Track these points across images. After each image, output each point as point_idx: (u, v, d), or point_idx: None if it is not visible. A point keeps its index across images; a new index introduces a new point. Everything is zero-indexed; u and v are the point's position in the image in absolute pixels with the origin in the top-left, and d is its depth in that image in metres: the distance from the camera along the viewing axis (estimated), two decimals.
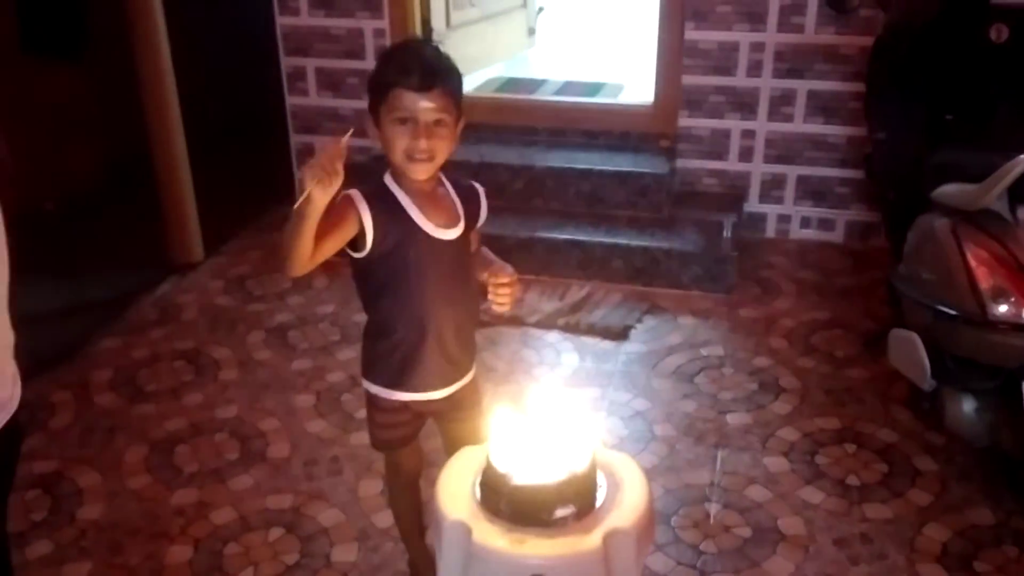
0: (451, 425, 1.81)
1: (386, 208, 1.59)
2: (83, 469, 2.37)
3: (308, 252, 1.48)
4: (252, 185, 4.00)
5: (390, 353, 1.68)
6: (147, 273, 3.37)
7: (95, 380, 2.76)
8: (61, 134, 3.79)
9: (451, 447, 1.79)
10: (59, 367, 2.78)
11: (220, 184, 3.72)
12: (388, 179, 1.63)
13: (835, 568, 2.05)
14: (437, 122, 1.55)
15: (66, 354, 2.86)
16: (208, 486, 2.30)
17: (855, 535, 2.14)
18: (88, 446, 2.46)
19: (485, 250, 1.77)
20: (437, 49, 1.63)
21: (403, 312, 1.64)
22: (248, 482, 2.32)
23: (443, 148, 1.57)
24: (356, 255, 1.61)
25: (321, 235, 1.48)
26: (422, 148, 1.54)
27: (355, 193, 1.58)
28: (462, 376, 1.75)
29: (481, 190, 1.72)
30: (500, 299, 1.65)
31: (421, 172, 1.58)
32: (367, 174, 1.69)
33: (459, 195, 1.68)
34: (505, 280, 1.64)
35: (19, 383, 1.21)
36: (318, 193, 1.40)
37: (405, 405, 1.73)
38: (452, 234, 1.65)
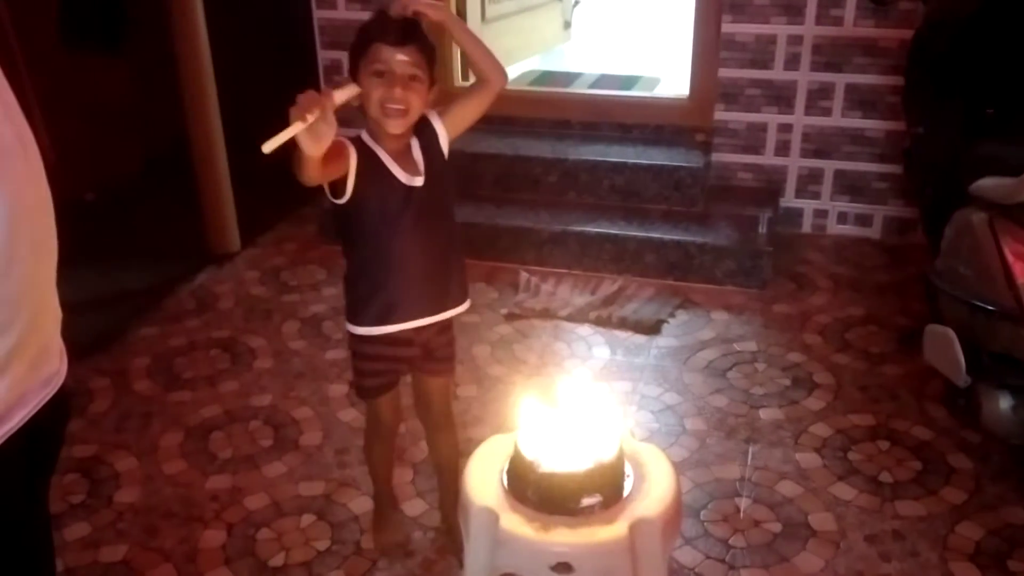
0: (423, 377, 1.93)
1: (366, 158, 1.68)
2: (120, 454, 2.42)
3: (316, 174, 1.58)
4: (288, 178, 4.02)
5: (374, 293, 1.77)
6: (185, 263, 3.42)
7: (133, 367, 2.81)
8: (101, 125, 3.85)
9: (420, 400, 1.97)
10: (98, 354, 2.84)
11: (257, 176, 3.76)
12: (365, 136, 1.73)
13: (866, 564, 2.03)
14: (412, 77, 1.64)
15: (105, 342, 2.92)
16: (242, 472, 2.34)
17: (887, 532, 2.12)
18: (126, 431, 2.51)
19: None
20: (412, 19, 1.70)
21: (384, 254, 1.74)
22: (281, 469, 2.35)
23: (416, 103, 1.66)
24: (337, 201, 1.69)
25: (326, 161, 1.56)
26: (397, 97, 1.64)
27: (344, 140, 1.67)
28: (440, 310, 1.83)
29: (435, 119, 1.77)
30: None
31: (396, 126, 1.68)
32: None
33: (420, 144, 1.75)
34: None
35: (66, 359, 1.24)
36: (312, 147, 1.46)
37: (389, 342, 1.80)
38: (422, 180, 1.73)
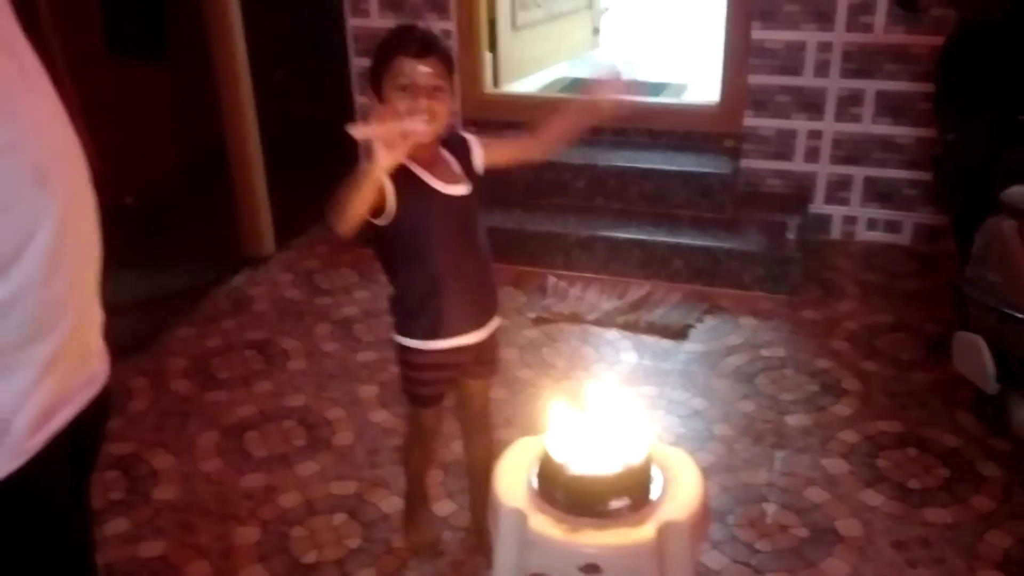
0: (465, 379, 1.95)
1: (400, 175, 1.70)
2: (158, 452, 2.48)
3: (363, 213, 1.63)
4: (321, 183, 4.09)
5: (420, 309, 1.79)
6: (221, 266, 3.49)
7: (171, 367, 2.88)
8: (142, 132, 3.94)
9: (461, 401, 2.01)
10: (137, 354, 2.91)
11: (291, 181, 3.83)
12: None
13: (892, 571, 2.04)
14: (435, 87, 1.68)
15: (144, 342, 2.99)
16: (276, 471, 2.39)
17: (914, 539, 2.12)
18: (163, 430, 2.58)
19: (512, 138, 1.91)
20: (430, 30, 1.80)
21: (427, 269, 1.76)
22: (314, 468, 2.40)
23: (441, 111, 1.70)
24: (378, 222, 1.72)
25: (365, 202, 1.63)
26: (422, 108, 1.67)
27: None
28: (488, 320, 1.88)
29: (471, 137, 1.84)
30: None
31: (423, 135, 1.69)
32: None
33: (452, 153, 1.80)
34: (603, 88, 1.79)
35: (107, 360, 1.28)
36: (387, 158, 1.55)
37: (440, 354, 1.84)
38: (461, 190, 1.78)
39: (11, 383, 1.05)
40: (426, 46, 1.69)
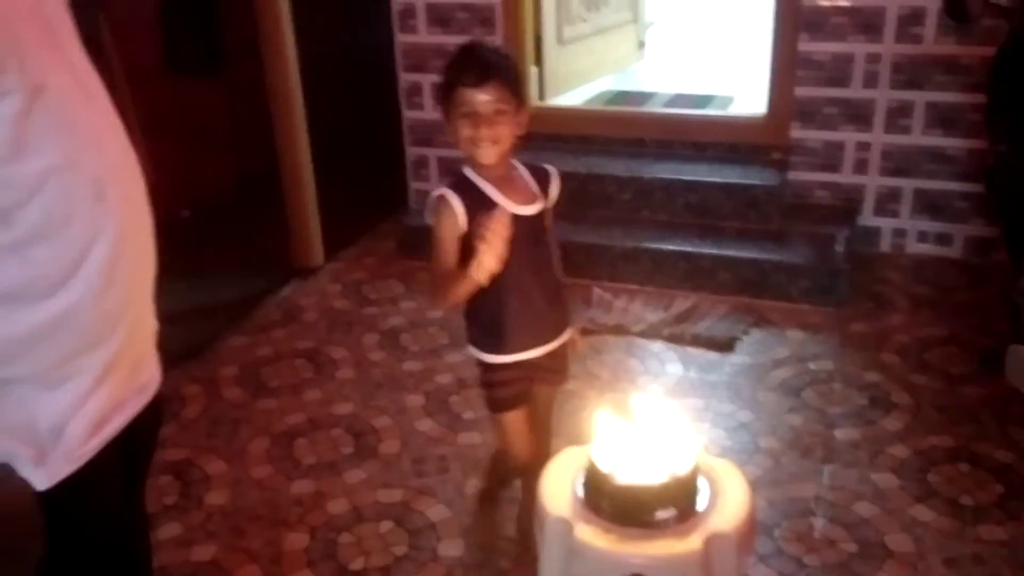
0: (536, 385, 1.97)
1: (471, 195, 1.77)
2: (210, 458, 2.53)
3: (462, 299, 1.78)
4: (369, 195, 4.17)
5: (492, 324, 1.84)
6: (272, 276, 3.56)
7: (223, 375, 2.94)
8: (197, 146, 4.04)
9: (533, 407, 2.02)
10: (191, 362, 2.98)
11: (340, 194, 3.90)
12: (467, 170, 1.81)
13: None
14: (497, 112, 1.71)
15: (197, 351, 3.06)
16: (324, 478, 2.43)
17: (967, 556, 2.09)
18: (215, 436, 2.63)
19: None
20: (494, 48, 1.83)
21: (498, 286, 1.78)
22: (361, 476, 2.43)
23: (506, 133, 1.74)
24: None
25: (453, 239, 1.77)
26: (483, 136, 1.72)
27: (445, 191, 1.78)
28: (560, 333, 1.93)
29: (553, 170, 1.89)
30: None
31: (488, 156, 1.75)
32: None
33: (533, 176, 1.86)
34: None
35: (159, 368, 1.32)
36: (493, 263, 1.65)
37: (510, 366, 1.89)
38: (531, 210, 1.82)
39: (67, 391, 1.09)
40: (484, 73, 1.70)
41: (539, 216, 1.85)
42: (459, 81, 1.71)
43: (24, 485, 1.06)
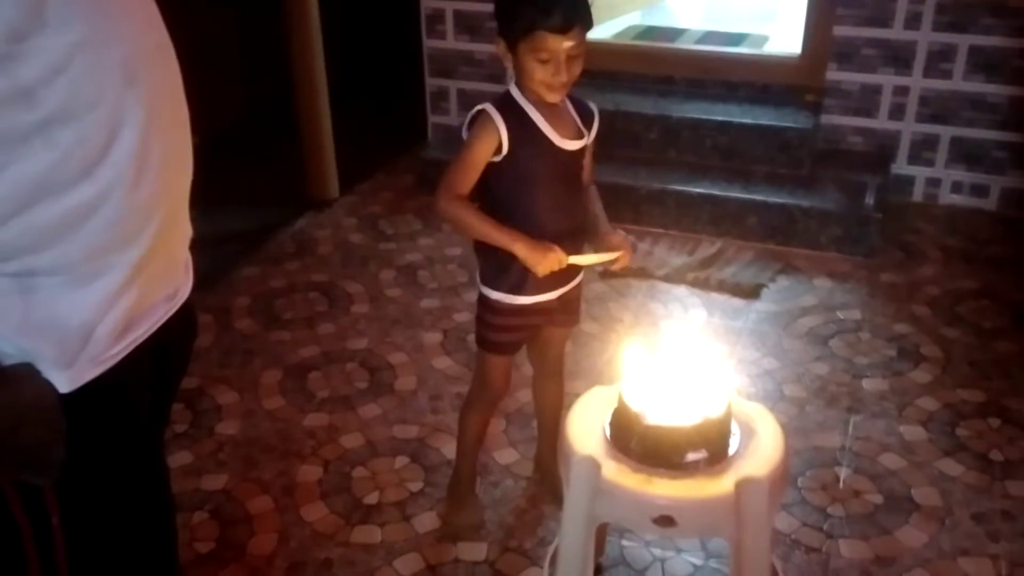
0: (547, 327, 1.90)
1: (516, 119, 1.67)
2: (222, 388, 2.49)
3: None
4: (387, 127, 4.07)
5: (511, 262, 1.72)
6: (286, 208, 3.49)
7: (235, 306, 2.88)
8: (208, 72, 3.92)
9: (539, 347, 1.96)
10: (203, 292, 2.89)
11: (357, 125, 3.80)
12: (515, 92, 1.70)
13: (972, 543, 1.95)
14: (576, 56, 1.62)
15: (210, 280, 2.99)
16: (338, 412, 2.38)
17: (996, 511, 2.03)
18: (227, 367, 2.58)
19: (597, 206, 1.85)
20: None
21: (526, 219, 1.70)
22: (376, 411, 2.39)
23: (577, 72, 1.65)
24: (493, 158, 1.68)
25: (481, 163, 1.67)
26: (563, 82, 1.62)
27: (490, 109, 1.67)
28: (576, 274, 1.83)
29: (595, 109, 1.79)
30: (615, 266, 1.81)
31: (557, 97, 1.67)
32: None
33: (577, 111, 1.75)
34: (617, 254, 1.78)
35: (191, 275, 1.27)
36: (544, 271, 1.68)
37: (523, 308, 1.80)
38: (575, 145, 1.73)
39: (97, 289, 1.04)
40: (571, 18, 1.57)
41: (580, 152, 1.75)
42: (542, 24, 1.56)
43: (48, 386, 1.01)
